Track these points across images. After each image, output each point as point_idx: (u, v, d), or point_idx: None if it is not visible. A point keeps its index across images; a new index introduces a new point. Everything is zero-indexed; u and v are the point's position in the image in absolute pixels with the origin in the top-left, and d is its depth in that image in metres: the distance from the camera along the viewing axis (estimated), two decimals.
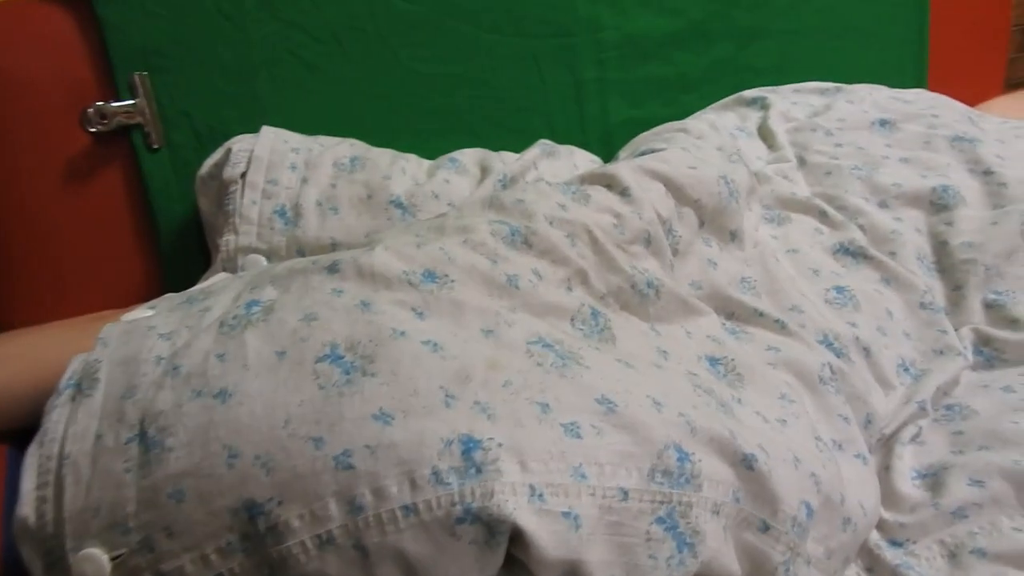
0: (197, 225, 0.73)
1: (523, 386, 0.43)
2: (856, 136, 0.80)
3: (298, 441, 0.40)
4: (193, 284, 0.74)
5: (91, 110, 0.69)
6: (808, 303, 0.62)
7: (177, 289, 0.73)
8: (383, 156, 0.74)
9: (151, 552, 0.39)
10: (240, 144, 0.71)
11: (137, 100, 0.70)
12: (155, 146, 0.72)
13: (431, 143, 0.83)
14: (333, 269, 0.50)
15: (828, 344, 0.59)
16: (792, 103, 0.88)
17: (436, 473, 0.39)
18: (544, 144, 0.80)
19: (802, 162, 0.80)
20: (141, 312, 0.51)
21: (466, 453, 0.39)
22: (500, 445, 0.40)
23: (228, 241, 0.67)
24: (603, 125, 0.93)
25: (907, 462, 0.58)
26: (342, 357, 0.43)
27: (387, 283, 0.49)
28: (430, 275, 0.50)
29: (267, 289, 0.50)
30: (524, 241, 0.54)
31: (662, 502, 0.42)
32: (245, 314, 0.47)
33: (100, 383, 0.44)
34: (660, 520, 0.41)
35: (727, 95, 0.94)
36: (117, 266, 0.75)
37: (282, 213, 0.67)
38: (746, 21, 0.95)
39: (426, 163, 0.76)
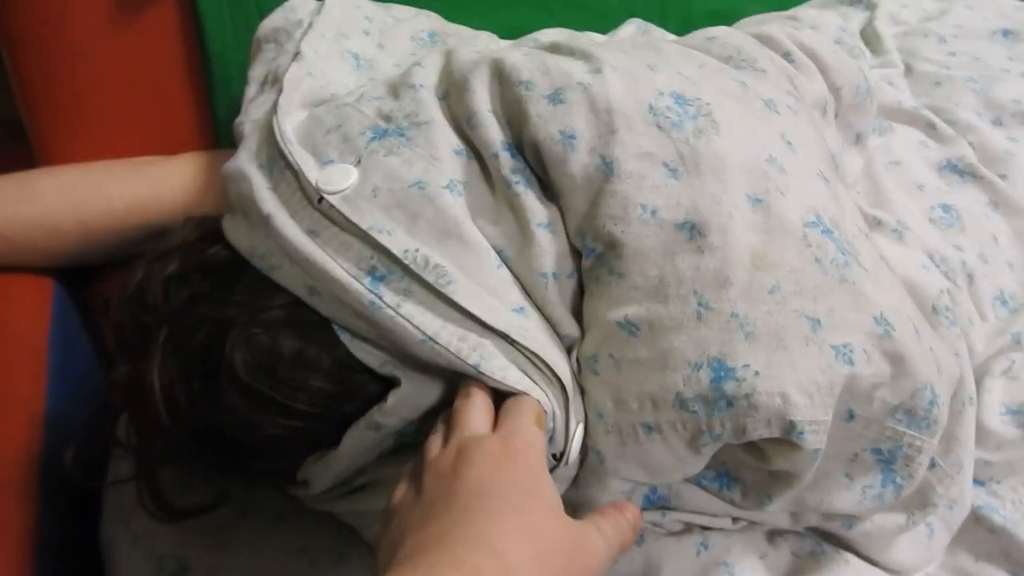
0: None
1: (793, 292, 0.36)
2: (973, 45, 0.72)
3: None
4: None
5: None
6: (914, 220, 0.56)
7: (228, 141, 0.69)
8: (461, 32, 0.68)
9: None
10: (303, 3, 0.65)
11: None
12: None
13: (499, 16, 0.77)
14: (556, 99, 0.41)
15: (935, 265, 0.54)
16: (902, 5, 0.80)
17: (681, 400, 0.35)
18: (638, 22, 0.73)
19: (909, 70, 0.72)
20: (337, 176, 0.42)
21: (715, 382, 0.35)
22: (757, 375, 0.35)
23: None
24: (685, 13, 0.84)
25: (996, 396, 0.53)
26: (593, 250, 0.40)
27: (628, 124, 0.40)
28: (681, 102, 0.40)
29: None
30: (752, 67, 0.45)
31: (890, 437, 0.38)
32: None
33: (446, 267, 0.39)
34: (876, 451, 0.38)
35: None
36: (165, 111, 0.71)
37: (355, 57, 0.61)
38: None
39: (504, 43, 0.70)
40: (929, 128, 0.66)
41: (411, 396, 0.38)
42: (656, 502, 0.41)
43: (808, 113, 0.46)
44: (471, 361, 0.36)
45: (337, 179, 0.40)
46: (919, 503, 0.41)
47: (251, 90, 0.61)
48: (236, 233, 0.42)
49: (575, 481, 0.39)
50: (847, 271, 0.38)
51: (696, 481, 0.41)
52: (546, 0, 0.79)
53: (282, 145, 0.42)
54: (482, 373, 0.36)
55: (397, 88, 0.45)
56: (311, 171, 0.40)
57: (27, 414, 0.51)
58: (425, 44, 0.64)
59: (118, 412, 0.49)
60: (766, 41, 0.51)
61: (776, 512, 0.41)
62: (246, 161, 0.43)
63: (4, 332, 0.57)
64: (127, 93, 0.69)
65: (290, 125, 0.43)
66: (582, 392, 0.39)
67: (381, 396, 0.39)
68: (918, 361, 0.37)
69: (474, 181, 0.41)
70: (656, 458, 0.37)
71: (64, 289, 0.64)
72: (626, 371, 0.36)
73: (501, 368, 0.36)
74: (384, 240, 0.38)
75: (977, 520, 0.47)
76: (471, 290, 0.37)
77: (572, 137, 0.39)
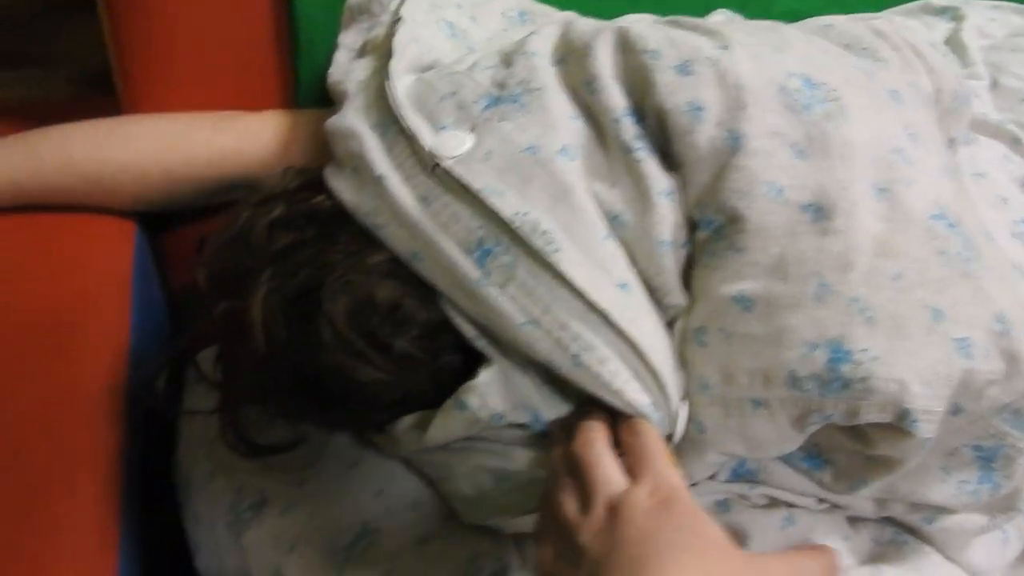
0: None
1: (917, 282, 0.36)
2: None
3: None
4: (323, 103, 0.72)
5: None
6: (997, 232, 0.55)
7: (313, 100, 0.70)
8: (549, 13, 0.69)
9: None
10: None
11: None
12: None
13: (579, 1, 0.78)
14: (685, 70, 0.41)
15: None
16: (990, 19, 0.79)
17: (794, 378, 0.35)
18: (726, 13, 0.73)
19: (995, 84, 0.71)
20: (451, 143, 0.42)
21: (832, 363, 0.35)
22: (875, 359, 0.35)
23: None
24: (765, 11, 0.85)
25: None
26: (712, 221, 0.40)
27: (757, 101, 0.39)
28: (810, 85, 0.40)
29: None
30: (874, 56, 0.45)
31: (993, 436, 0.38)
32: None
33: (553, 233, 0.39)
34: (977, 448, 0.38)
35: (908, 1, 0.85)
36: (249, 70, 0.72)
37: (450, 25, 0.62)
38: None
39: (592, 22, 0.71)
40: (1014, 143, 0.65)
41: (501, 381, 0.38)
42: (743, 475, 0.42)
43: (928, 108, 0.46)
44: (571, 351, 0.36)
45: (452, 145, 0.40)
46: (1003, 506, 0.41)
47: (341, 55, 0.61)
48: (342, 187, 0.42)
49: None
50: (970, 266, 0.37)
51: (786, 460, 0.41)
52: None
53: (396, 109, 0.42)
54: (581, 364, 0.36)
55: (510, 56, 0.45)
56: (426, 137, 0.40)
57: (115, 345, 0.53)
58: (515, 22, 0.64)
59: (194, 351, 0.50)
60: (878, 34, 0.50)
61: (864, 498, 0.41)
62: (356, 120, 0.43)
63: (94, 267, 0.58)
64: (215, 50, 0.70)
65: (401, 89, 0.44)
66: (685, 363, 0.39)
67: (469, 373, 0.40)
68: None
69: (590, 146, 0.41)
70: (759, 433, 0.37)
71: (143, 234, 0.66)
72: (737, 345, 0.36)
73: (600, 361, 0.36)
74: (495, 202, 0.38)
75: None
76: (576, 259, 0.37)
77: (699, 109, 0.39)
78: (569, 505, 0.35)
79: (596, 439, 0.36)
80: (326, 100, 0.71)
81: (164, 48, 0.70)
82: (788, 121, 0.39)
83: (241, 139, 0.63)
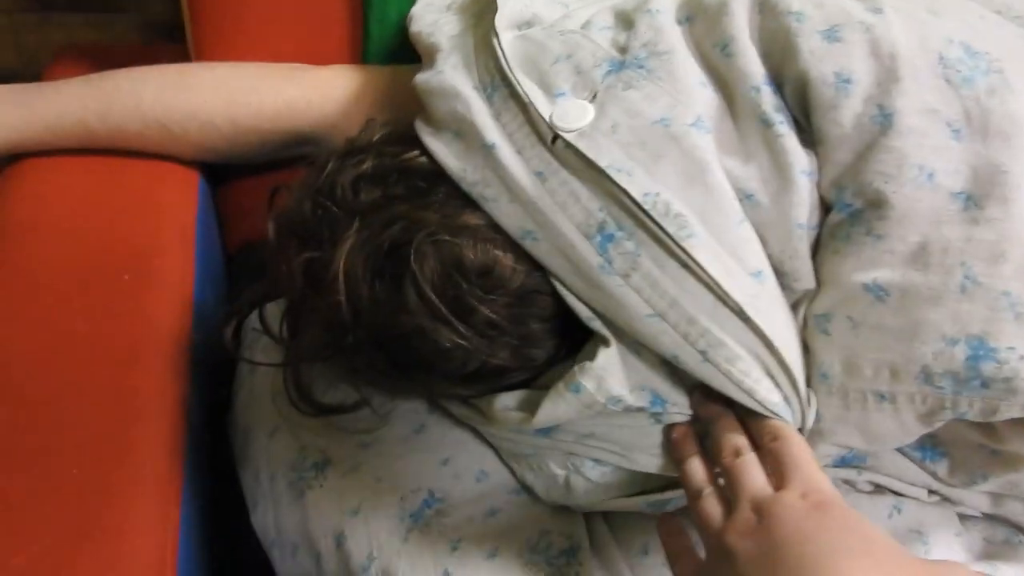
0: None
1: None
2: None
3: None
4: (392, 60, 0.71)
5: None
6: None
7: (382, 56, 0.68)
8: None
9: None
10: None
11: None
12: None
13: None
14: (833, 36, 0.38)
15: None
16: None
17: (927, 373, 0.33)
18: None
19: None
20: (573, 112, 0.39)
21: (972, 360, 0.33)
22: (1022, 358, 0.32)
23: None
24: None
25: None
26: (849, 205, 0.37)
27: (914, 74, 0.36)
28: (971, 54, 0.37)
29: None
30: None
31: None
32: None
33: (687, 217, 0.36)
34: None
35: None
36: (319, 22, 0.70)
37: None
38: None
39: None
40: None
41: (619, 363, 0.36)
42: (850, 462, 0.40)
43: None
44: (699, 347, 0.34)
45: (573, 116, 0.37)
46: None
47: (421, 6, 0.59)
48: (443, 151, 0.39)
49: None
50: None
51: (899, 448, 0.39)
52: None
53: (508, 71, 0.38)
54: (709, 361, 0.34)
55: (631, 15, 0.42)
56: (543, 106, 0.37)
57: (179, 292, 0.52)
58: None
59: (263, 303, 0.50)
60: None
61: (981, 492, 0.39)
62: (458, 79, 0.40)
63: (159, 213, 0.58)
64: (285, 2, 0.70)
65: (508, 48, 0.40)
66: (805, 349, 0.37)
67: (567, 355, 0.38)
68: None
69: (721, 117, 0.38)
70: (879, 427, 0.35)
71: (207, 184, 0.66)
72: (864, 336, 0.34)
73: (728, 359, 0.34)
74: (623, 181, 0.35)
75: None
76: (711, 248, 0.35)
77: (847, 81, 0.36)
78: (712, 509, 0.33)
79: (741, 447, 0.35)
80: (396, 56, 0.69)
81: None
82: (945, 96, 0.36)
83: (310, 92, 0.62)
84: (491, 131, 0.37)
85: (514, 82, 0.38)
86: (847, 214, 0.36)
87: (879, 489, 0.40)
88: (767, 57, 0.38)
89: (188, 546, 0.42)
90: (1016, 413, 0.33)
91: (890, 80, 0.36)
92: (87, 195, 0.58)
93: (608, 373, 0.36)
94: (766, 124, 0.37)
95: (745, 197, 0.36)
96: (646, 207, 0.34)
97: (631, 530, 0.42)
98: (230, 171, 0.69)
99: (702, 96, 0.38)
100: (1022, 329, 0.32)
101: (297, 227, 0.40)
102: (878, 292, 0.34)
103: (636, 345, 0.36)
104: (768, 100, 0.37)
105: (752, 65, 0.38)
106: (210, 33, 0.70)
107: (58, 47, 0.85)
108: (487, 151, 0.37)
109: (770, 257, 0.37)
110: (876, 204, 0.35)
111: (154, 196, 0.59)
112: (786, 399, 0.35)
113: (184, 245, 0.57)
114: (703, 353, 0.34)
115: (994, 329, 0.32)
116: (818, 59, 0.37)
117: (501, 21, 0.41)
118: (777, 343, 0.34)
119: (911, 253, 0.34)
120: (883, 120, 0.35)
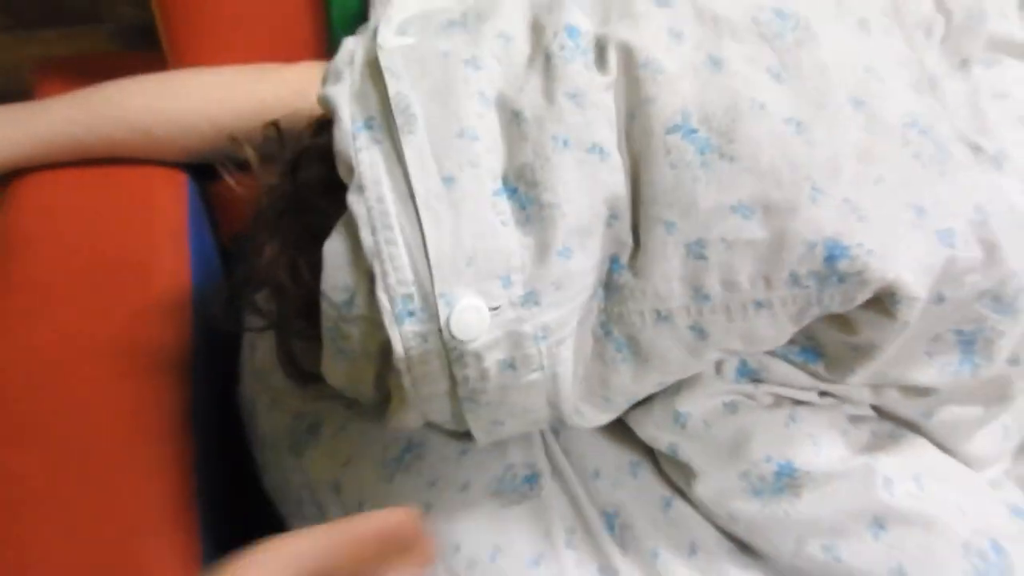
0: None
1: (899, 183, 0.39)
2: None
3: None
4: None
5: None
6: (1016, 150, 0.57)
7: None
8: None
9: (537, 305, 0.38)
10: None
11: None
12: None
13: None
14: (663, 3, 0.42)
15: None
16: None
17: (794, 277, 0.38)
18: None
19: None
20: (392, 39, 0.44)
21: (829, 260, 0.37)
22: (870, 252, 0.37)
23: None
24: None
25: None
26: (695, 131, 0.39)
27: (733, 31, 0.41)
28: (781, 16, 0.42)
29: (579, 16, 0.43)
30: None
31: (973, 320, 0.41)
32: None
33: (418, 119, 0.39)
34: (958, 332, 0.41)
35: None
36: (284, 22, 0.75)
37: None
38: None
39: None
40: None
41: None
42: (748, 375, 0.45)
43: (905, 32, 0.47)
44: (375, 224, 0.38)
45: (394, 41, 0.42)
46: (997, 397, 0.44)
47: (375, 10, 0.63)
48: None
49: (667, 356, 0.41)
50: (945, 166, 0.40)
51: (784, 356, 0.44)
52: None
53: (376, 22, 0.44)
54: (378, 244, 0.37)
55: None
56: (384, 35, 0.42)
57: (177, 284, 0.58)
58: None
59: (251, 291, 0.55)
60: None
61: (858, 385, 0.44)
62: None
63: (151, 216, 0.63)
64: (253, 4, 0.73)
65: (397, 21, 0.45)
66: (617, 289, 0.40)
67: None
68: (1010, 250, 0.39)
69: (517, 64, 0.41)
70: (760, 331, 0.39)
71: (195, 184, 0.71)
72: (739, 252, 0.38)
73: (388, 240, 0.37)
74: (388, 80, 0.39)
75: None
76: (420, 147, 0.38)
77: (678, 36, 0.41)
78: None
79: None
80: None
81: (206, 2, 0.73)
82: (761, 49, 0.41)
83: (280, 89, 0.66)
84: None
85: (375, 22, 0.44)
86: (695, 143, 0.39)
87: (777, 401, 0.45)
88: (594, 17, 0.43)
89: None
90: (868, 295, 0.38)
91: (715, 37, 0.41)
92: (84, 206, 0.63)
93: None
94: (550, 61, 0.41)
95: (513, 115, 0.39)
96: (392, 103, 0.39)
97: (583, 456, 0.47)
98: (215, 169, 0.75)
99: (495, 45, 0.42)
100: (866, 228, 0.37)
101: (258, 223, 0.45)
102: (744, 211, 0.38)
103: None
104: (569, 45, 0.41)
105: (570, 17, 0.42)
106: (183, 38, 0.74)
107: (34, 62, 0.89)
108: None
109: (522, 166, 0.39)
110: (723, 132, 0.38)
111: (146, 200, 0.65)
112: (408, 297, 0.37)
113: (177, 244, 0.62)
114: (373, 228, 0.37)
115: (844, 229, 0.37)
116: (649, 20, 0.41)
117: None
118: (429, 239, 0.37)
119: (765, 171, 0.38)
120: (712, 65, 0.40)
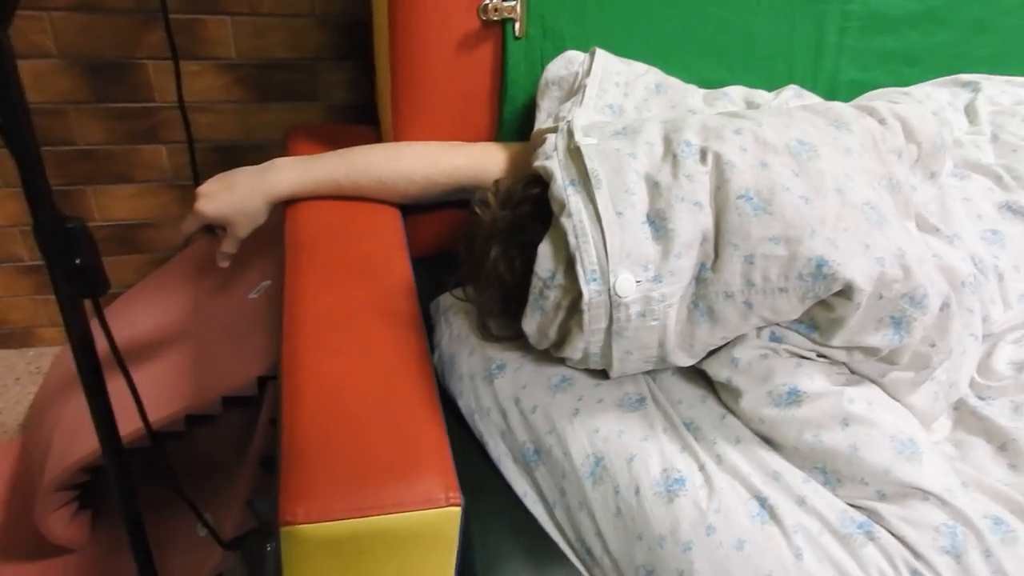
0: (531, 106, 1.03)
1: (856, 232, 0.66)
2: None
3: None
4: (522, 137, 1.06)
5: (488, 4, 1.00)
6: (967, 234, 0.85)
7: (510, 134, 1.05)
8: (675, 84, 1.01)
9: (660, 283, 0.67)
10: (579, 59, 0.99)
11: (516, 1, 1.00)
12: (518, 36, 1.00)
13: (694, 69, 1.07)
14: (739, 131, 0.72)
15: (973, 263, 0.83)
16: (1001, 91, 1.07)
17: (800, 276, 0.66)
18: (795, 88, 1.04)
19: (995, 138, 1.00)
20: (583, 139, 0.77)
21: (819, 267, 0.65)
22: (840, 264, 0.65)
23: (573, 112, 0.95)
24: (832, 82, 1.12)
25: (1005, 353, 0.82)
26: (751, 199, 0.67)
27: (775, 150, 0.70)
28: (801, 143, 0.72)
29: (692, 136, 0.73)
30: (846, 128, 0.78)
31: (899, 310, 0.68)
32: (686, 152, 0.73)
33: (603, 182, 0.70)
34: (892, 318, 0.68)
35: (944, 75, 1.12)
36: (471, 114, 1.06)
37: (611, 107, 0.96)
38: (976, 13, 1.10)
39: (702, 91, 1.02)
40: (998, 179, 0.94)
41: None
42: (775, 339, 0.72)
43: (879, 155, 0.76)
44: (575, 240, 0.69)
45: (586, 141, 0.75)
46: (921, 365, 0.71)
47: (541, 116, 0.97)
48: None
49: (729, 320, 0.69)
50: (883, 227, 0.68)
51: (795, 329, 0.71)
52: (730, 63, 1.08)
53: (575, 135, 0.77)
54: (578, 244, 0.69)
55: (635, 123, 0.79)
56: (578, 137, 0.76)
57: (405, 279, 0.89)
58: (652, 92, 0.98)
59: (463, 283, 0.87)
60: (870, 111, 0.82)
61: (837, 348, 0.70)
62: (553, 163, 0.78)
63: (384, 232, 0.95)
64: (453, 99, 1.04)
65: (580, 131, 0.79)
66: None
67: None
68: (919, 273, 0.67)
69: (655, 155, 0.74)
70: (781, 306, 0.67)
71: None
72: (771, 262, 0.66)
73: (582, 247, 0.69)
74: (588, 162, 0.71)
75: (971, 412, 0.77)
76: (606, 196, 0.69)
77: (744, 150, 0.71)
78: None
79: None
80: (520, 135, 1.06)
81: (421, 92, 1.03)
82: (789, 161, 0.71)
83: (467, 159, 0.99)
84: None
85: (575, 136, 0.77)
86: (750, 204, 0.69)
87: (791, 355, 0.72)
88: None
89: None
90: (838, 289, 0.66)
91: (763, 152, 0.72)
92: (341, 224, 0.95)
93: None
94: (675, 158, 0.72)
95: (654, 184, 0.71)
96: (590, 171, 0.71)
97: (670, 391, 0.76)
98: (409, 209, 1.05)
99: (644, 147, 0.74)
100: (838, 252, 0.65)
101: (480, 235, 0.77)
102: (775, 240, 0.67)
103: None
104: (686, 150, 0.73)
105: (688, 136, 0.75)
106: (407, 117, 1.05)
107: (288, 126, 1.22)
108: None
109: (658, 210, 0.69)
110: (766, 200, 0.68)
111: (379, 223, 0.97)
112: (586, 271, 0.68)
113: (401, 250, 0.93)
114: (576, 235, 0.69)
115: (827, 252, 0.65)
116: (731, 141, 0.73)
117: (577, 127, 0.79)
118: (609, 238, 0.67)
119: (787, 221, 0.67)
120: (761, 167, 0.71)
